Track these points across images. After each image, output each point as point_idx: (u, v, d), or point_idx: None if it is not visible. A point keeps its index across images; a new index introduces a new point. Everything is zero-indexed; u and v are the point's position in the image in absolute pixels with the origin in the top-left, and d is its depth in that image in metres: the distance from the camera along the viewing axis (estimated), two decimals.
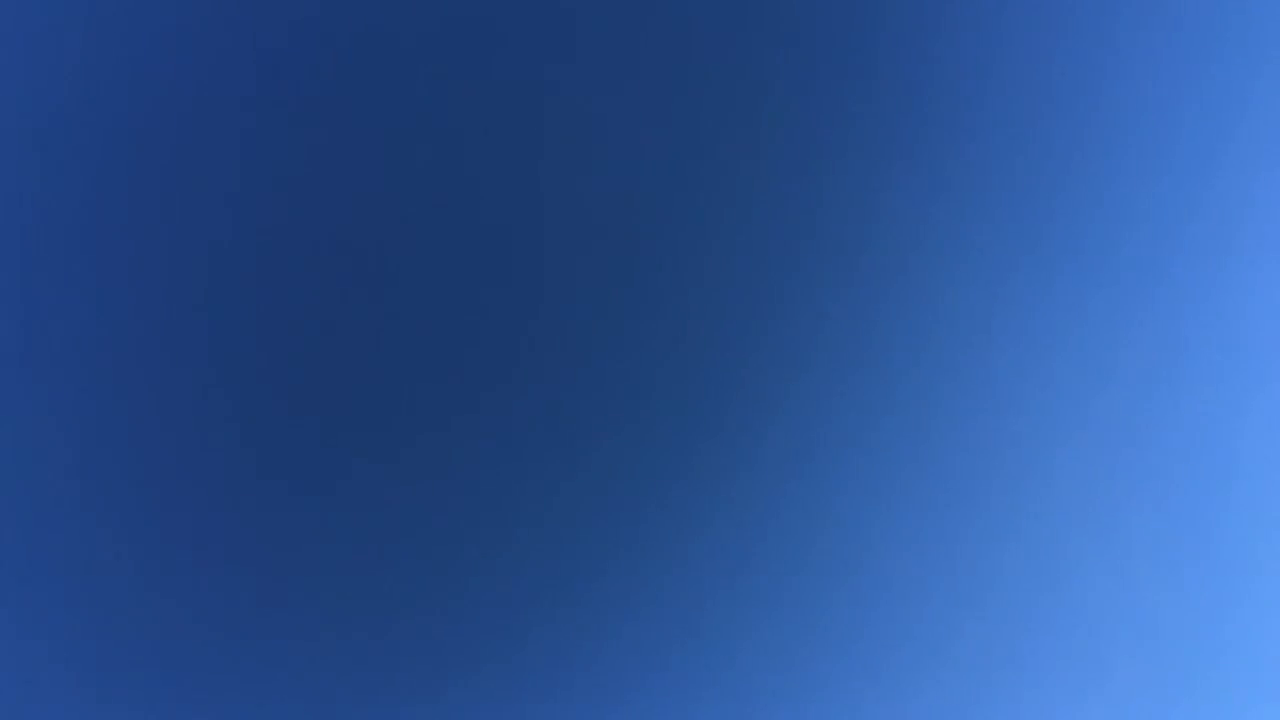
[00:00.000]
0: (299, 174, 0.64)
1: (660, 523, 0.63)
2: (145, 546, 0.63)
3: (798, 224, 0.64)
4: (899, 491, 0.64)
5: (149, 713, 0.62)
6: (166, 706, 0.62)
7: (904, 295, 0.64)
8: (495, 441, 0.63)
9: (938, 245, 0.64)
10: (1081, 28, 0.65)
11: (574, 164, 0.64)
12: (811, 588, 0.63)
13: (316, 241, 0.64)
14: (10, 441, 0.63)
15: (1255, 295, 0.65)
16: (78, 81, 0.64)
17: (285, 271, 0.64)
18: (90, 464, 0.63)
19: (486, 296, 0.64)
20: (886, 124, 0.65)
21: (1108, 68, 0.65)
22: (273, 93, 0.64)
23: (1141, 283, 0.64)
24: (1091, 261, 0.65)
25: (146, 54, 0.64)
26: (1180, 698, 0.63)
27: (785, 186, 0.64)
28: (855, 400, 0.64)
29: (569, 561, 0.63)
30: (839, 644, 0.63)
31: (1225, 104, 0.65)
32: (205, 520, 0.63)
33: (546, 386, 0.64)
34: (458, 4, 0.65)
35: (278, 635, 0.62)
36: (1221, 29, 0.66)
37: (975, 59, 0.65)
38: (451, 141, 0.64)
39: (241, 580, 0.63)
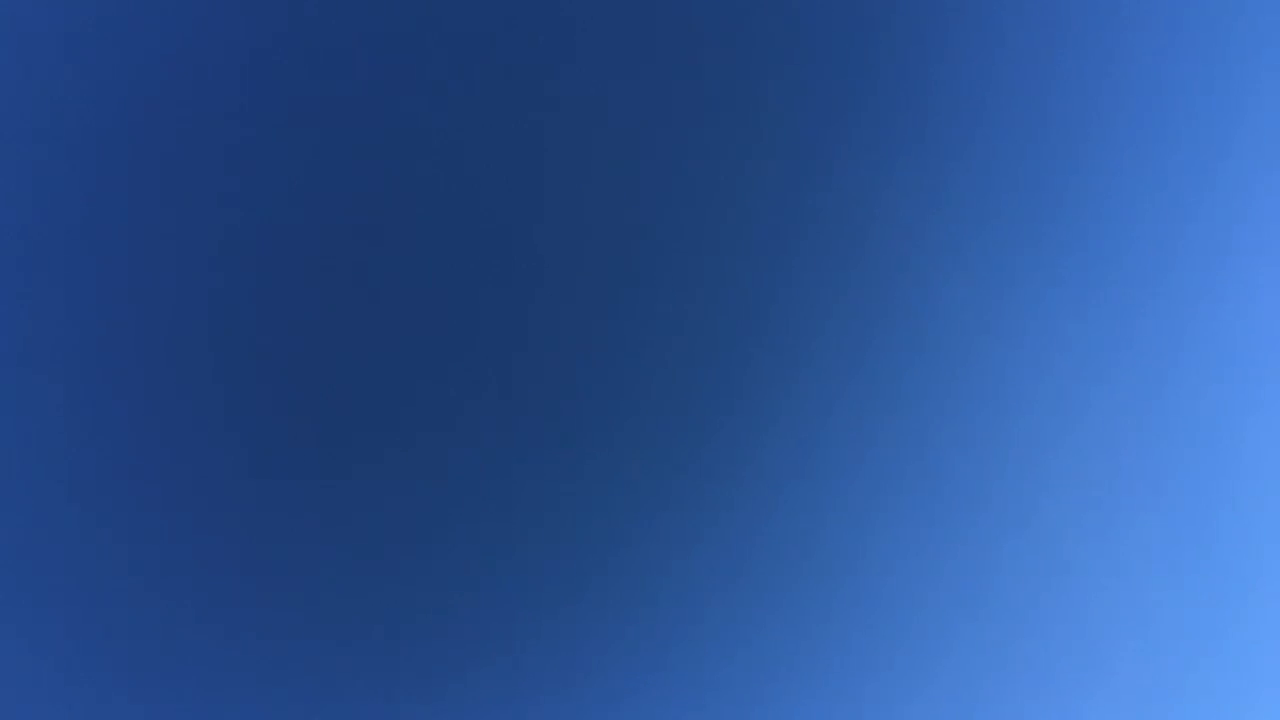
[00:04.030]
0: (298, 174, 0.64)
1: (660, 522, 0.63)
2: (145, 546, 0.63)
3: (798, 224, 0.64)
4: (899, 491, 0.64)
5: (149, 713, 0.62)
6: (167, 706, 0.62)
7: (904, 295, 0.64)
8: (495, 441, 0.63)
9: (938, 245, 0.64)
10: (1082, 27, 0.65)
11: (574, 164, 0.64)
12: (811, 588, 0.63)
13: (316, 241, 0.64)
14: (10, 441, 0.63)
15: (1255, 295, 0.65)
16: (78, 81, 0.64)
17: (285, 271, 0.64)
18: (90, 464, 0.63)
19: (486, 296, 0.64)
20: (886, 124, 0.65)
21: (1108, 68, 0.65)
22: (272, 92, 0.64)
23: (1142, 283, 0.65)
24: (1092, 262, 0.65)
25: (146, 54, 0.64)
26: (1180, 698, 0.63)
27: (785, 186, 0.64)
28: (855, 400, 0.64)
29: (569, 561, 0.63)
30: (839, 644, 0.63)
31: (1225, 105, 0.65)
32: (205, 520, 0.63)
33: (546, 386, 0.64)
34: (457, 3, 0.65)
35: (278, 635, 0.62)
36: (1222, 29, 0.66)
37: (976, 59, 0.65)
38: (451, 141, 0.64)
39: (241, 580, 0.63)
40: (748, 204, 0.64)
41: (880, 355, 0.64)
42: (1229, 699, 0.63)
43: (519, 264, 0.64)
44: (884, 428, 0.64)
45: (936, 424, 0.64)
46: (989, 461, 0.64)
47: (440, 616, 0.63)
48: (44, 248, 0.64)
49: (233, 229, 0.64)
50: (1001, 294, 0.64)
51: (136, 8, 0.65)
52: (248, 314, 0.64)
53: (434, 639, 0.63)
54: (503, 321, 0.64)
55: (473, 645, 0.63)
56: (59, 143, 0.64)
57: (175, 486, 0.63)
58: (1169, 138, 0.65)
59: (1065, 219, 0.65)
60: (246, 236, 0.64)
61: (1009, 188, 0.64)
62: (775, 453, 0.64)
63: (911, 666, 0.63)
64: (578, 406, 0.64)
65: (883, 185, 0.64)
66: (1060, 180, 0.65)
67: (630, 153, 0.64)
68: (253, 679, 0.62)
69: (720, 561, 0.63)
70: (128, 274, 0.64)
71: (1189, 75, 0.65)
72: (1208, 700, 0.63)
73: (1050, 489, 0.64)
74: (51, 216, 0.64)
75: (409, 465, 0.63)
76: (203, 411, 0.63)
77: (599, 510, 0.63)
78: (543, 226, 0.64)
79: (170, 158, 0.64)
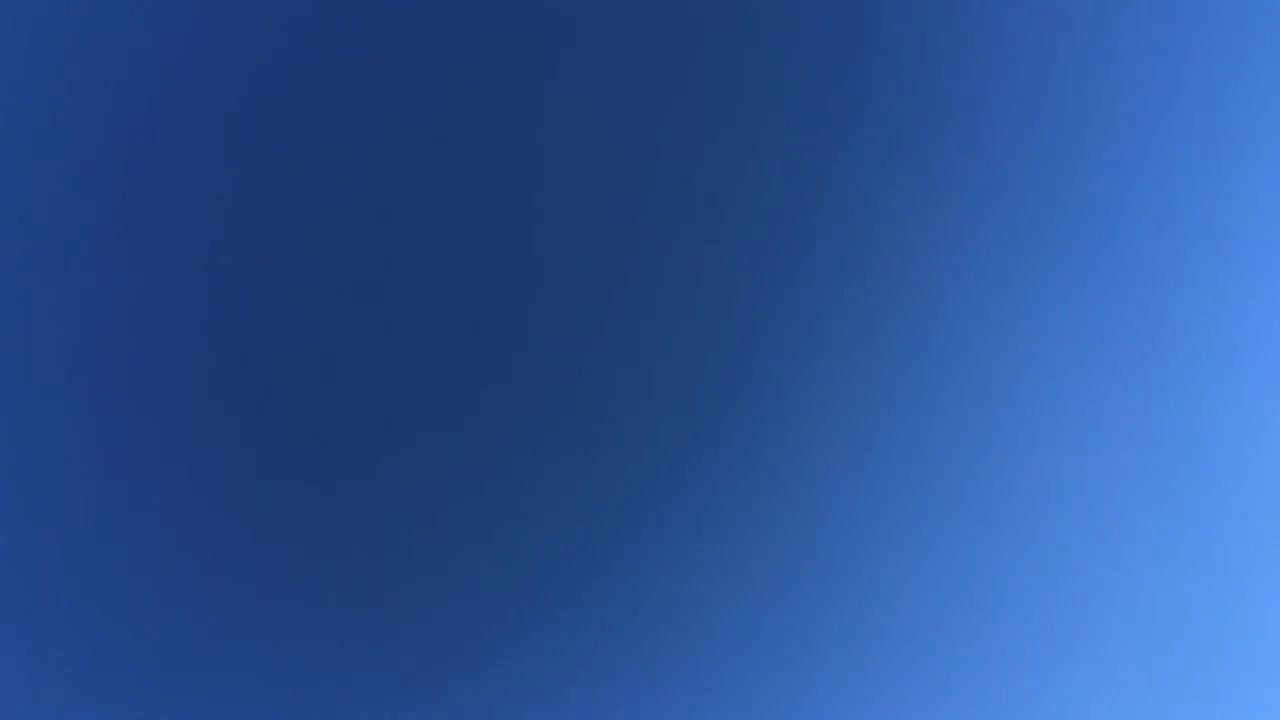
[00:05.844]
0: (298, 173, 0.64)
1: (660, 523, 0.63)
2: (145, 546, 0.63)
3: (798, 224, 0.64)
4: (899, 491, 0.64)
5: (149, 713, 0.62)
6: (167, 706, 0.62)
7: (904, 295, 0.64)
8: (495, 441, 0.63)
9: (938, 246, 0.64)
10: (1082, 28, 0.65)
11: (574, 164, 0.64)
12: (811, 588, 0.63)
13: (316, 241, 0.64)
14: (10, 441, 0.63)
15: (1255, 295, 0.65)
16: (77, 81, 0.64)
17: (285, 271, 0.64)
18: (90, 464, 0.63)
19: (486, 296, 0.64)
20: (887, 124, 0.65)
21: (1108, 68, 0.65)
22: (272, 92, 0.64)
23: (1142, 283, 0.64)
24: (1092, 262, 0.65)
25: (145, 54, 0.64)
26: (1180, 698, 0.63)
27: (785, 187, 0.64)
28: (855, 400, 0.64)
29: (569, 562, 0.63)
30: (839, 644, 0.63)
31: (1225, 104, 0.65)
32: (205, 520, 0.63)
33: (547, 386, 0.64)
34: (457, 3, 0.65)
35: (278, 635, 0.62)
36: (1221, 29, 0.66)
37: (976, 59, 0.65)
38: (452, 139, 0.64)
39: (241, 580, 0.63)
40: (748, 204, 0.64)
41: (880, 355, 0.64)
42: (1229, 699, 0.63)
43: (519, 263, 0.64)
44: (884, 427, 0.64)
45: (936, 423, 0.64)
46: (988, 461, 0.64)
47: (440, 617, 0.63)
48: (44, 248, 0.64)
49: (233, 228, 0.64)
50: (1001, 294, 0.64)
51: (137, 7, 0.65)
52: (248, 314, 0.64)
53: (434, 639, 0.63)
54: (503, 320, 0.64)
55: (472, 645, 0.63)
56: (59, 143, 0.64)
57: (175, 486, 0.63)
58: (1169, 137, 0.65)
59: (1065, 218, 0.65)
60: (247, 236, 0.64)
61: (1009, 188, 0.64)
62: (775, 452, 0.64)
63: (911, 666, 0.63)
64: (578, 406, 0.64)
65: (883, 185, 0.64)
66: (1060, 180, 0.65)
67: (630, 153, 0.64)
68: (253, 679, 0.62)
69: (720, 561, 0.63)
70: (128, 274, 0.64)
71: (1189, 75, 0.65)
72: (1208, 700, 0.63)
73: (1050, 489, 0.64)
74: (51, 216, 0.64)
75: (409, 465, 0.63)
76: (203, 411, 0.63)
77: (599, 510, 0.63)
78: (543, 227, 0.64)
79: (170, 157, 0.64)
